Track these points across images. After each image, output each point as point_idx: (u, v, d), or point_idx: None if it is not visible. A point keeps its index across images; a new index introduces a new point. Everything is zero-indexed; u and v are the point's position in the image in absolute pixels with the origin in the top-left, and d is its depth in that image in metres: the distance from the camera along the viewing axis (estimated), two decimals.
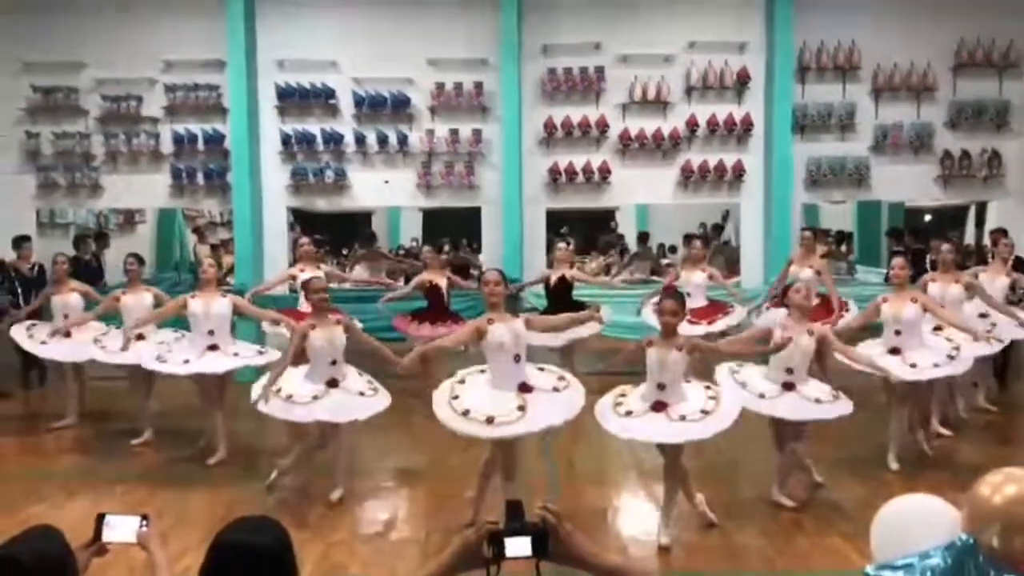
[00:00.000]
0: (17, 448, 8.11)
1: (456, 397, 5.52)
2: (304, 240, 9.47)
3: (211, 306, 7.27)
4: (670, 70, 11.02)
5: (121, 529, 2.73)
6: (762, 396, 5.91)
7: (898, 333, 6.67)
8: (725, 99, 11.02)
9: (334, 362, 6.17)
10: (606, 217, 15.13)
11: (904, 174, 11.00)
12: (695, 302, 8.80)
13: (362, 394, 6.23)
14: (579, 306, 8.43)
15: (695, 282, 9.03)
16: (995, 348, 7.55)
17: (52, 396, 9.30)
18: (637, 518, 6.10)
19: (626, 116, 11.07)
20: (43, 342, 8.32)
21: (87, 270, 10.37)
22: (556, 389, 5.63)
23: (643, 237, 13.99)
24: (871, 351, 6.66)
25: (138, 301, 7.95)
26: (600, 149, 11.11)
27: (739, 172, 10.98)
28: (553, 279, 9.06)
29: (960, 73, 10.96)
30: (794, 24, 10.75)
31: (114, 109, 11.13)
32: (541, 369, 5.84)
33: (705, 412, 5.35)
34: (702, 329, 8.52)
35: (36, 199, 11.33)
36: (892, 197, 11.18)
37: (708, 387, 5.64)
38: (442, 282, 9.24)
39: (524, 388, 5.54)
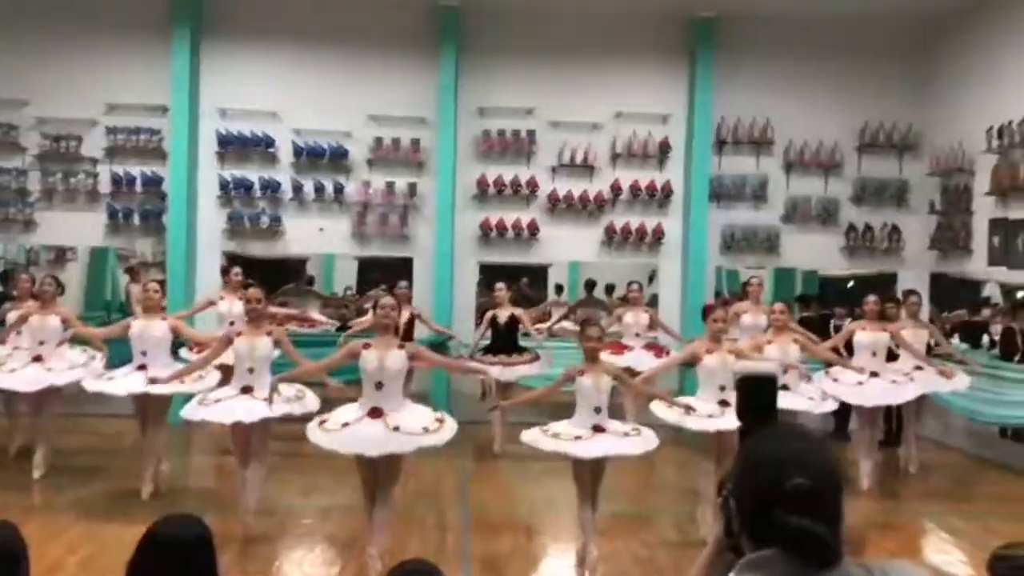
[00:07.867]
0: None
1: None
2: (236, 270, 9.76)
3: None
4: (598, 137, 11.65)
5: None
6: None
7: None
8: (648, 166, 11.69)
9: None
10: (539, 273, 15.39)
11: (812, 243, 11.74)
12: (636, 341, 9.89)
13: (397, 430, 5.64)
14: (523, 348, 9.72)
15: (640, 323, 10.00)
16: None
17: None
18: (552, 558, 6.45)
19: (555, 178, 11.63)
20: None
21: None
22: (398, 428, 5.51)
23: (590, 285, 14.01)
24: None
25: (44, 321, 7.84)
26: (530, 207, 11.63)
27: (659, 235, 11.60)
28: (503, 318, 9.74)
29: (865, 152, 11.81)
30: (714, 100, 11.50)
31: (54, 148, 11.24)
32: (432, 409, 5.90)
33: (627, 435, 5.86)
34: (649, 360, 9.26)
35: None
36: (800, 265, 11.91)
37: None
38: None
39: (373, 413, 5.58)
